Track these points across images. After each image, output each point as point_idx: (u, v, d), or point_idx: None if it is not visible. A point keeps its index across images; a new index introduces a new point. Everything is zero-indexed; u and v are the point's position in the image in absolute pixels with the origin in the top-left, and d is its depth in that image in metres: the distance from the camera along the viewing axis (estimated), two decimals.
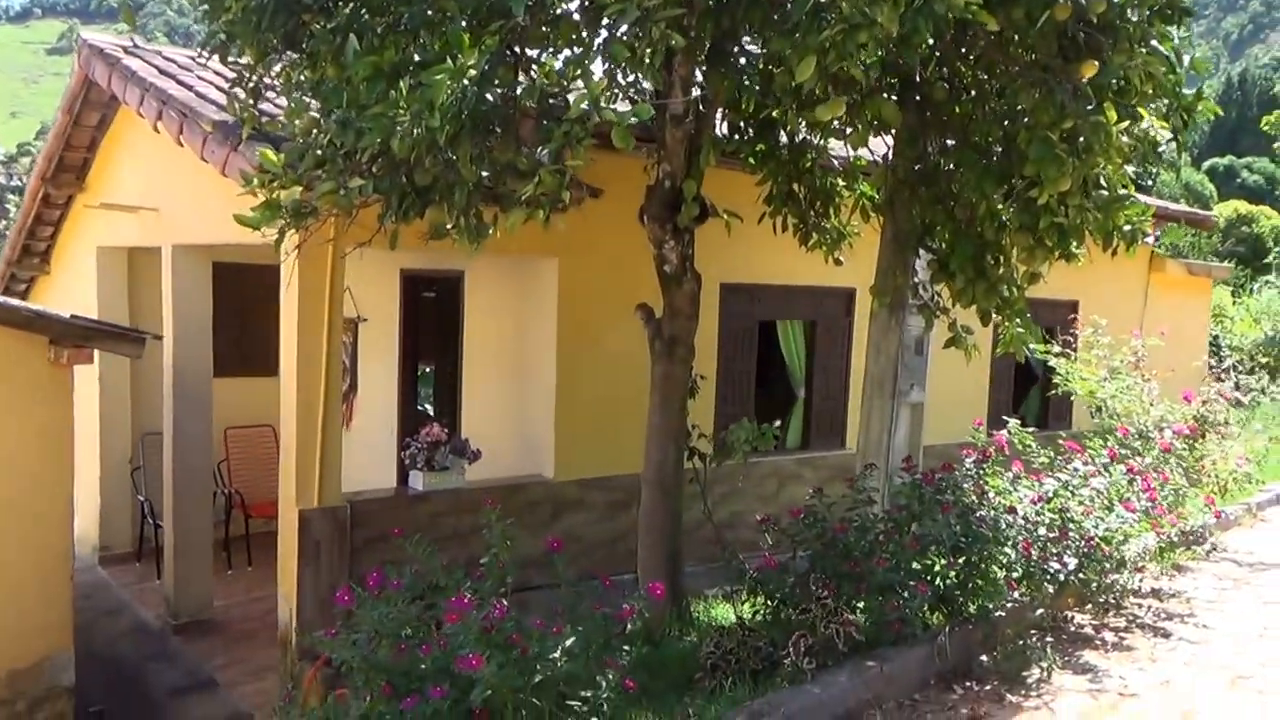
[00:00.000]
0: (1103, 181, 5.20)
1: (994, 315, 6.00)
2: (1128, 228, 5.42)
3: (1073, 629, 6.19)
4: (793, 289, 9.16)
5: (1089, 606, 6.41)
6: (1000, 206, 5.68)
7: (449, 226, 4.75)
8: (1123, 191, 5.22)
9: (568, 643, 3.77)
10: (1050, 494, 6.24)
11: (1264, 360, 21.41)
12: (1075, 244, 5.33)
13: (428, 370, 10.16)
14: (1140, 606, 6.70)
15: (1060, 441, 7.49)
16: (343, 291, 6.99)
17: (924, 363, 7.51)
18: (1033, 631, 5.92)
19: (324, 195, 4.39)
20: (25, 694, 6.51)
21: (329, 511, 6.90)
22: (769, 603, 5.71)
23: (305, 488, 6.83)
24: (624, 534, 8.12)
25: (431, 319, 9.69)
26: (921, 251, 6.76)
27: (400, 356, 9.76)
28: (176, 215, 8.51)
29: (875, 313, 7.15)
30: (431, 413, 9.76)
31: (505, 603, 3.98)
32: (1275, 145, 26.79)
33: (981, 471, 6.26)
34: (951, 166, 6.06)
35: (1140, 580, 6.71)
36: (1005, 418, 7.53)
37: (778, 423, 6.16)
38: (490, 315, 8.77)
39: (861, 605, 5.34)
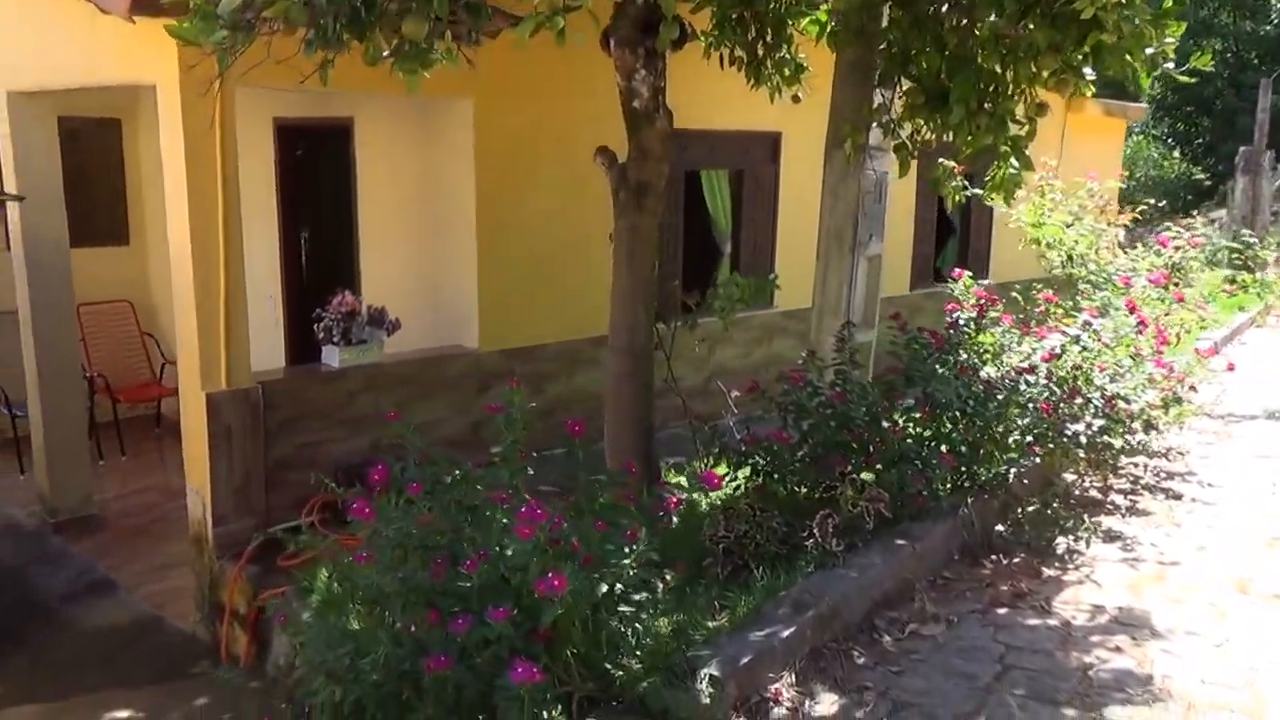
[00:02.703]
0: None
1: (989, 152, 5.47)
2: (1149, 51, 4.94)
3: (1079, 493, 5.94)
4: (717, 135, 8.50)
5: (1087, 469, 6.16)
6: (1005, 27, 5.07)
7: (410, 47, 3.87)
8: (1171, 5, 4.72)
9: (640, 548, 3.20)
10: (1059, 350, 5.91)
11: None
12: (1110, 68, 4.82)
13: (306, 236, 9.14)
14: (1136, 466, 6.48)
15: (1016, 293, 7.20)
16: (235, 139, 6.00)
17: (883, 211, 7.03)
18: (1046, 499, 5.63)
19: (277, 4, 3.48)
20: None
21: (240, 394, 6.07)
22: (756, 477, 5.25)
23: (211, 368, 5.97)
24: (554, 407, 7.55)
25: (316, 175, 8.64)
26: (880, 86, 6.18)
27: (279, 219, 8.70)
28: (9, 55, 7.19)
29: (831, 156, 6.58)
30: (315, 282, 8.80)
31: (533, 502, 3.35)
32: None
33: (978, 328, 5.86)
34: None
35: (1143, 439, 6.42)
36: (962, 270, 7.17)
37: (774, 276, 5.55)
38: (390, 169, 7.83)
39: (870, 479, 4.92)
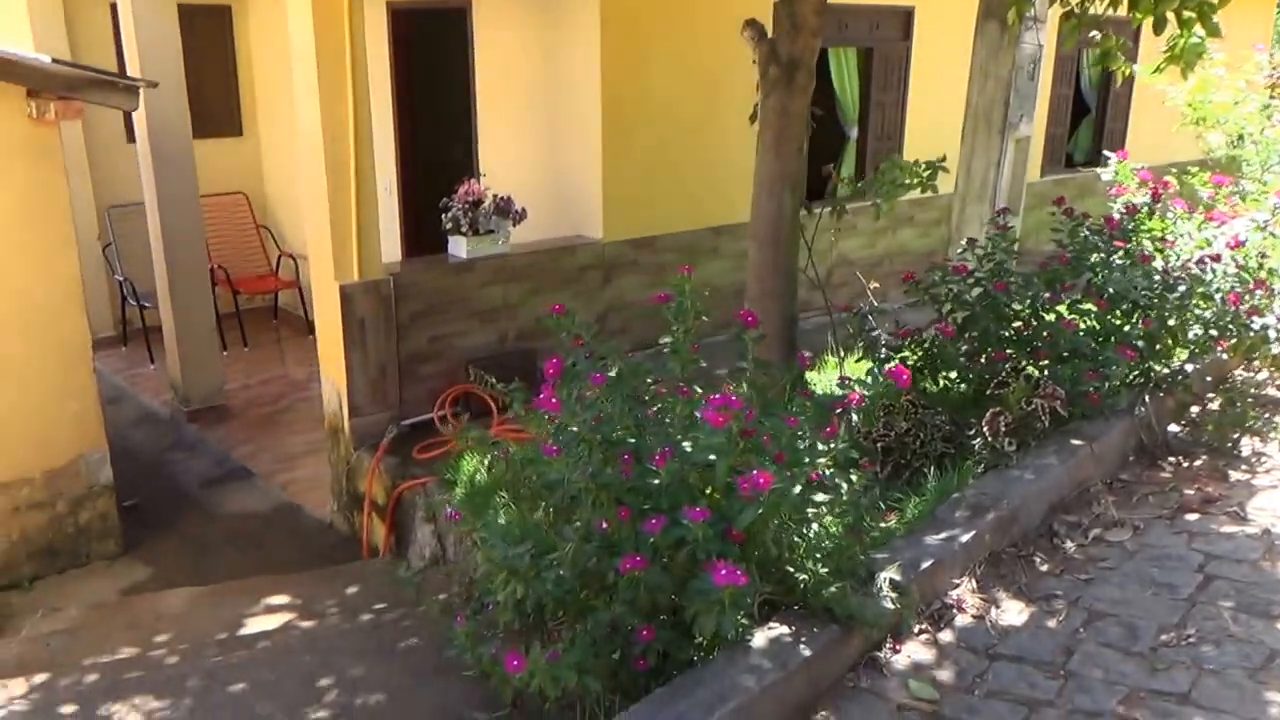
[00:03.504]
0: None
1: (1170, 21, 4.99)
2: None
3: (1255, 392, 5.51)
4: (846, 9, 8.03)
5: (1270, 366, 5.69)
6: None
7: None
8: None
9: (839, 445, 3.04)
10: (1243, 237, 5.49)
11: None
12: None
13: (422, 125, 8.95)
14: None
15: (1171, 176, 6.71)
16: (363, 22, 5.81)
17: (1035, 89, 6.59)
18: (1231, 397, 5.26)
19: None
20: (64, 495, 5.83)
21: (372, 286, 6.00)
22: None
23: (343, 260, 5.89)
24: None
25: (432, 61, 8.43)
26: None
27: (394, 107, 8.52)
28: None
29: (982, 30, 6.17)
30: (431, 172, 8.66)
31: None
32: None
33: (1151, 213, 5.46)
34: None
35: None
36: (1107, 153, 6.73)
37: (943, 157, 5.19)
38: (509, 53, 7.56)
39: (1038, 374, 4.64)
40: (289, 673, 3.64)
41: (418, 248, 8.19)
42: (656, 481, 2.87)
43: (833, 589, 3.10)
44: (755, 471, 2.70)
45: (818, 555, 3.24)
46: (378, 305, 6.04)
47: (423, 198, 8.44)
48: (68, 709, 3.58)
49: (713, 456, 2.84)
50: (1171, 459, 4.70)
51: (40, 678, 4.15)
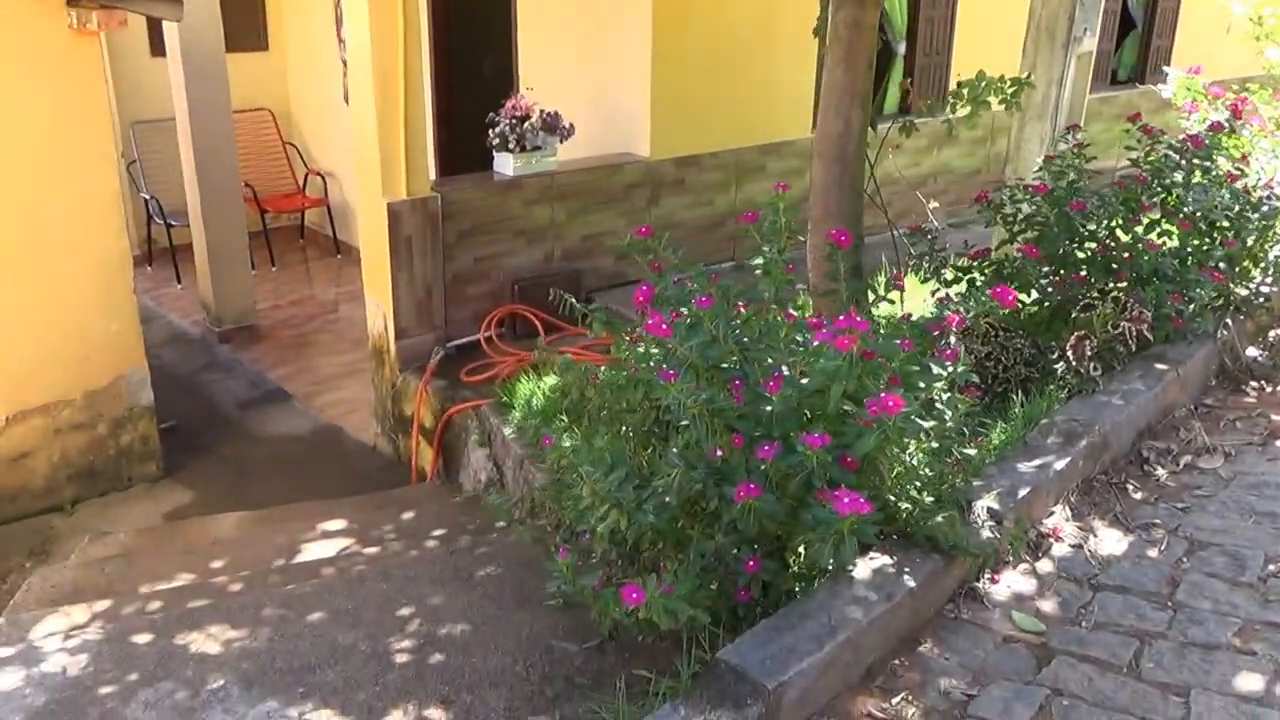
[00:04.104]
0: None
1: None
2: None
3: None
4: None
5: None
6: None
7: None
8: None
9: (959, 368, 2.91)
10: None
11: None
12: None
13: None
14: None
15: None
16: None
17: (1100, 1, 6.33)
18: None
19: None
20: (105, 416, 5.75)
21: (419, 204, 5.83)
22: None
23: (391, 176, 5.72)
24: (723, 219, 7.26)
25: None
26: None
27: (429, 19, 8.23)
28: None
29: None
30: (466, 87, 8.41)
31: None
32: None
33: (1231, 129, 5.26)
34: None
35: None
36: (1165, 68, 6.49)
37: (1029, 75, 4.99)
38: None
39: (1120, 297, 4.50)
40: (366, 601, 3.57)
41: (451, 166, 8.00)
42: (769, 408, 2.76)
43: (939, 518, 3.01)
44: (884, 394, 2.57)
45: (916, 483, 3.15)
46: (424, 223, 5.89)
47: (457, 114, 8.23)
48: (142, 638, 3.51)
49: (828, 383, 2.70)
50: (1254, 383, 4.58)
51: (101, 605, 4.09)
